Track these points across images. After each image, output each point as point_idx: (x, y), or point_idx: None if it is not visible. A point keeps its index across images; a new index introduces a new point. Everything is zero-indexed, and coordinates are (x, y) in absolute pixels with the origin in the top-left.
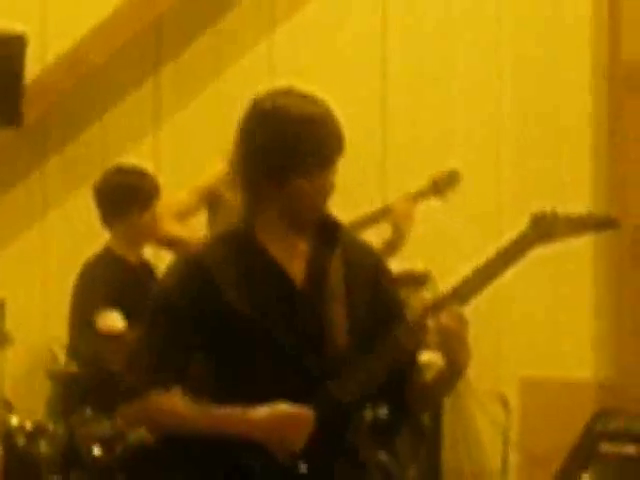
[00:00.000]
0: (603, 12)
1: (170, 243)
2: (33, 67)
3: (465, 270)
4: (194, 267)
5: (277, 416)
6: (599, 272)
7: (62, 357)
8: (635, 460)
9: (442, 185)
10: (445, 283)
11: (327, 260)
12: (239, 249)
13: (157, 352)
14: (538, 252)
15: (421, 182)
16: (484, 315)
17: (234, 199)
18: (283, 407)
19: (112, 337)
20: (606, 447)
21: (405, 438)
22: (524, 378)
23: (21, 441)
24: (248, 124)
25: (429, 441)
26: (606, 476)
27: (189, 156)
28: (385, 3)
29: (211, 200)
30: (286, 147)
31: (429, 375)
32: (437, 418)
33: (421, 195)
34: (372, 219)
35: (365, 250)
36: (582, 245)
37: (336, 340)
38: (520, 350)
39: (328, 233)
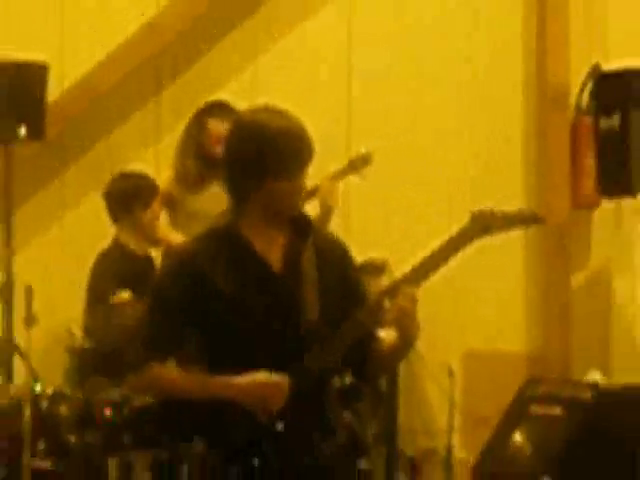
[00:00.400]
0: (532, 41)
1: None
2: (54, 91)
3: (416, 259)
4: (187, 260)
5: (257, 383)
6: (530, 260)
7: (79, 335)
8: (559, 419)
9: (358, 164)
10: (400, 270)
11: (300, 250)
12: (225, 242)
13: (156, 331)
14: (479, 243)
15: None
16: (433, 296)
17: (183, 198)
18: (262, 375)
19: (120, 306)
20: (535, 409)
21: (366, 401)
22: (467, 350)
23: (44, 405)
24: (232, 136)
25: (386, 403)
26: (535, 433)
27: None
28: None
29: (167, 202)
30: (264, 156)
31: (385, 347)
32: (393, 384)
33: (341, 174)
34: (304, 198)
35: (334, 243)
36: (515, 237)
37: (308, 318)
38: (464, 327)
39: (301, 227)
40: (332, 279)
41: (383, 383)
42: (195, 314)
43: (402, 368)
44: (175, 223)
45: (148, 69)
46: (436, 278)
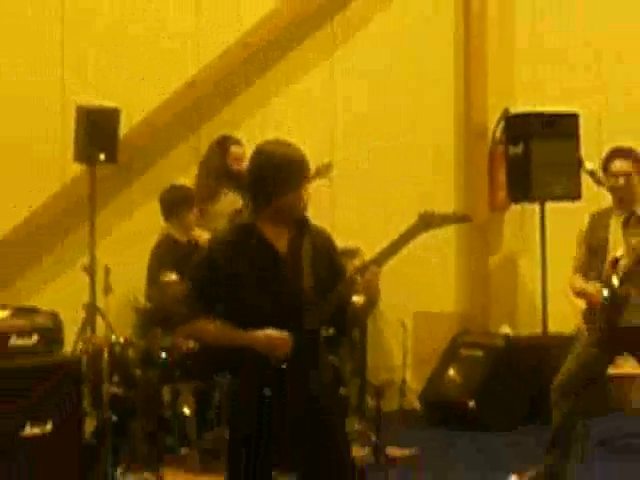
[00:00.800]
0: (460, 92)
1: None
2: (124, 128)
3: (380, 247)
4: (222, 247)
5: (268, 336)
6: (460, 247)
7: (141, 300)
8: (480, 360)
9: (322, 171)
10: (369, 255)
11: (300, 241)
12: (247, 235)
13: (198, 292)
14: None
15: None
16: (392, 272)
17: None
18: (272, 331)
19: (169, 284)
20: (463, 352)
21: (344, 347)
22: (416, 311)
23: (117, 350)
24: (253, 161)
25: (358, 348)
26: (463, 370)
27: None
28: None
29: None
30: (274, 179)
31: (357, 308)
32: (363, 334)
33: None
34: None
35: (324, 236)
36: (451, 230)
37: (305, 289)
38: (414, 294)
39: (301, 225)
40: (322, 261)
41: (356, 334)
42: (225, 285)
43: (369, 323)
44: (200, 222)
45: (190, 113)
46: (394, 260)
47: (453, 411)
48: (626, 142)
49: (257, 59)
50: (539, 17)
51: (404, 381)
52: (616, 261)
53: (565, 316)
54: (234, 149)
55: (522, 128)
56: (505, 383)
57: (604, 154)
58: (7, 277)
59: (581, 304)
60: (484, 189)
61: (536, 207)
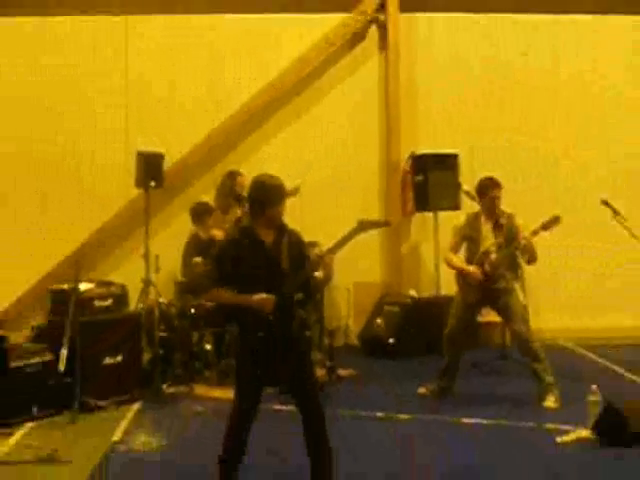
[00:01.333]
0: (383, 138)
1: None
2: (167, 166)
3: (332, 241)
4: (231, 241)
5: (260, 297)
6: (384, 241)
7: (179, 276)
8: (397, 313)
9: (293, 192)
10: (325, 246)
11: (281, 238)
12: (248, 235)
13: (216, 270)
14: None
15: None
16: (341, 258)
17: (220, 217)
18: (262, 294)
19: (197, 265)
20: (386, 307)
21: (310, 305)
22: (355, 281)
23: (163, 308)
24: (251, 188)
25: (319, 306)
26: (386, 319)
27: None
28: None
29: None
30: (263, 197)
31: (318, 280)
32: (322, 297)
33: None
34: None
35: (296, 234)
36: (379, 231)
37: (284, 269)
38: (354, 269)
39: (281, 228)
40: (295, 251)
41: (317, 297)
42: (233, 266)
43: (326, 290)
44: (215, 227)
45: (209, 155)
46: (342, 250)
47: (380, 345)
48: (489, 172)
49: (252, 122)
50: (433, 96)
51: (348, 326)
52: (487, 252)
53: (451, 283)
54: (239, 179)
55: (422, 164)
56: (413, 327)
57: (478, 181)
58: (93, 262)
59: (451, 271)
60: (398, 203)
61: (431, 215)
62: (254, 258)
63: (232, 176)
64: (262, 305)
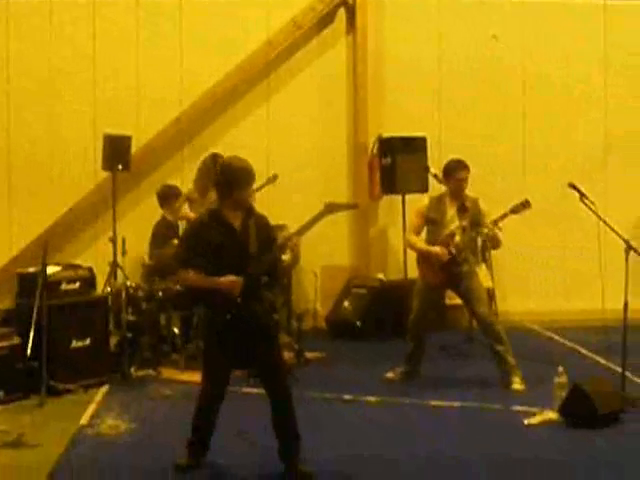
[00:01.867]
0: (351, 121)
1: (183, 218)
2: (134, 149)
3: (299, 224)
4: (198, 223)
5: (228, 279)
6: (352, 223)
7: (146, 259)
8: (364, 295)
9: (271, 180)
10: (292, 229)
11: (248, 221)
12: (216, 217)
13: (184, 253)
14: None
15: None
16: (308, 242)
17: (198, 199)
18: (230, 277)
19: (171, 246)
20: (354, 290)
21: (278, 288)
22: (323, 265)
23: (131, 291)
24: (220, 170)
25: (286, 289)
26: (354, 302)
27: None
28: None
29: (188, 200)
30: (232, 179)
31: (286, 264)
32: (289, 280)
33: (262, 186)
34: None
35: (263, 218)
36: (346, 213)
37: (252, 251)
38: (321, 254)
39: (249, 211)
40: (262, 234)
41: (285, 280)
42: (201, 248)
43: (294, 273)
44: (192, 209)
45: (176, 140)
46: (309, 232)
47: (347, 328)
48: (456, 155)
49: (220, 105)
50: (402, 79)
51: (315, 310)
52: (452, 234)
53: (416, 267)
54: (227, 157)
55: (390, 147)
56: (380, 310)
57: (445, 163)
58: (61, 245)
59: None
60: (366, 186)
61: (399, 197)
62: (222, 241)
63: (214, 159)
64: (230, 287)
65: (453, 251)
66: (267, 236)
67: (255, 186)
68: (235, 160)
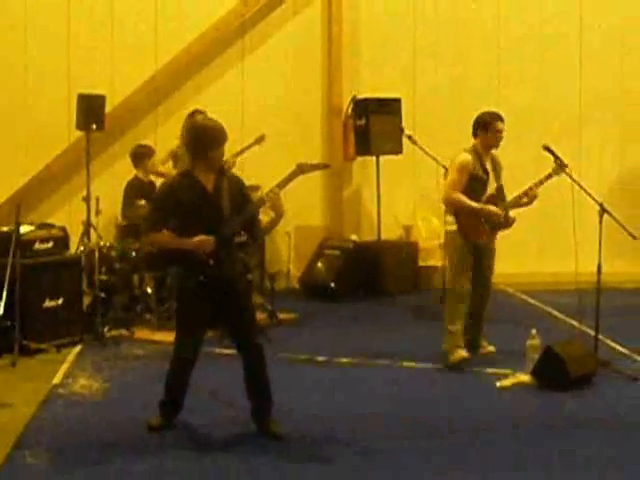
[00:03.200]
0: (325, 83)
1: (160, 175)
2: (108, 108)
3: (276, 183)
4: (170, 185)
5: (200, 240)
6: (325, 184)
7: (120, 219)
8: (338, 256)
9: (259, 140)
10: (269, 187)
11: (221, 181)
12: (188, 178)
13: (155, 214)
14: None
15: None
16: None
17: (183, 156)
18: (202, 236)
19: (141, 207)
20: (327, 251)
21: (251, 248)
22: (296, 224)
23: (104, 251)
24: (187, 129)
25: (260, 250)
26: (327, 263)
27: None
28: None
29: (174, 156)
30: (204, 140)
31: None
32: (262, 242)
33: (249, 147)
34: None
35: (236, 178)
36: (318, 173)
37: (225, 211)
38: (295, 214)
39: (221, 171)
40: (236, 194)
41: (261, 240)
42: (172, 209)
43: (269, 235)
44: (177, 166)
45: (151, 97)
46: (283, 192)
47: (320, 289)
48: (429, 120)
49: (195, 63)
50: (376, 40)
51: (289, 270)
52: (492, 196)
53: (392, 227)
54: (198, 117)
55: (364, 108)
56: (353, 272)
57: (479, 115)
58: (34, 204)
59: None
60: (340, 147)
61: (373, 159)
62: (194, 202)
63: (192, 115)
64: (201, 247)
65: (506, 211)
66: (241, 197)
67: (244, 145)
68: (207, 121)
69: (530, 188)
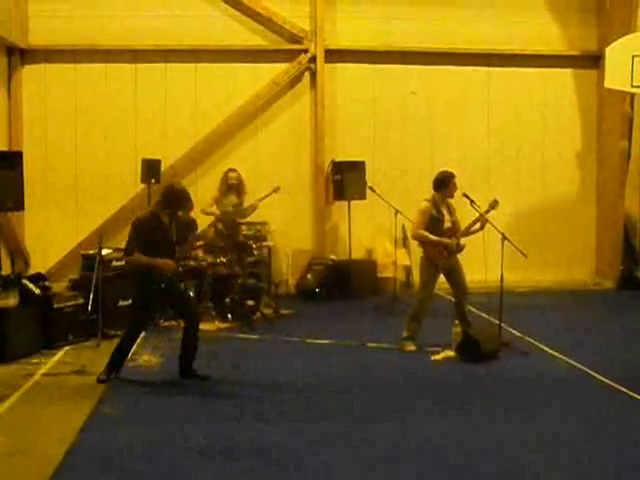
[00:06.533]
0: (313, 150)
1: (210, 214)
2: (163, 168)
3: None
4: (142, 220)
5: (163, 261)
6: (315, 221)
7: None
8: (322, 270)
9: (276, 190)
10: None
11: (173, 221)
12: (153, 218)
13: (132, 242)
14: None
15: None
16: (281, 232)
17: (221, 199)
18: (165, 259)
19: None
20: (314, 267)
21: (263, 266)
22: (293, 248)
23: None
24: (164, 192)
25: (268, 267)
26: (315, 274)
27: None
28: None
29: (216, 200)
30: (173, 200)
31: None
32: (269, 261)
33: (267, 196)
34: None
35: (183, 218)
36: (309, 210)
37: (173, 241)
38: (292, 241)
39: (175, 217)
40: (181, 229)
41: (267, 260)
42: (143, 237)
43: (273, 254)
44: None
45: (191, 162)
46: (283, 225)
47: (309, 293)
48: (384, 176)
49: (224, 136)
50: (347, 120)
51: (287, 280)
52: (449, 229)
53: (359, 250)
54: (230, 174)
55: (339, 168)
56: (332, 281)
57: (439, 175)
58: (113, 235)
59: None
60: (323, 194)
61: (346, 203)
62: (157, 234)
63: (226, 173)
64: (165, 266)
65: (459, 240)
66: (186, 229)
67: (263, 194)
68: (176, 187)
69: (477, 219)
